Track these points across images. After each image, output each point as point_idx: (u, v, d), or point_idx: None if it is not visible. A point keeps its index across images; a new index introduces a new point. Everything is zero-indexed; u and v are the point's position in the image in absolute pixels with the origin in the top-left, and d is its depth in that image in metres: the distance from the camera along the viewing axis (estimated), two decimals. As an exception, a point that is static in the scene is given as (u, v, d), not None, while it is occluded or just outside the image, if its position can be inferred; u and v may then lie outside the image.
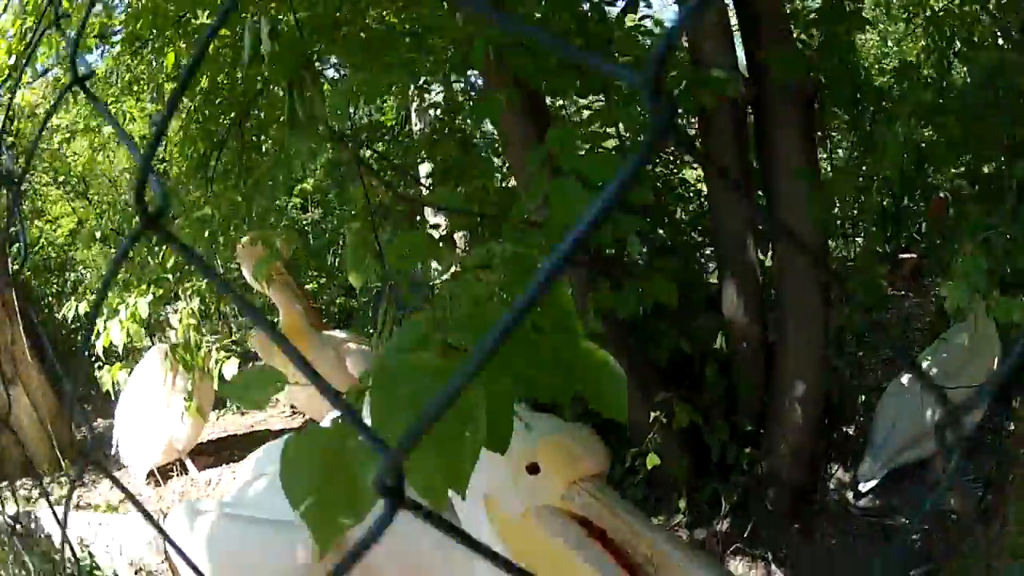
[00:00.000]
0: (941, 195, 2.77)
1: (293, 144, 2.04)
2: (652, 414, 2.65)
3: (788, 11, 2.86)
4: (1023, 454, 2.37)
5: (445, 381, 0.80)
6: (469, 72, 3.54)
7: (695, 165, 3.69)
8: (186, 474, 4.20)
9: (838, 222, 4.94)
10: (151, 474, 4.12)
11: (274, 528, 1.80)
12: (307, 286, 5.60)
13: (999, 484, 2.95)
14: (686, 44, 2.88)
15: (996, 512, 2.47)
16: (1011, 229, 2.00)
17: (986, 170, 2.93)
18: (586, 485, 1.40)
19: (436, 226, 2.60)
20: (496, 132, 3.07)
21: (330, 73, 4.10)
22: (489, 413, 0.84)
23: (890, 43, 6.35)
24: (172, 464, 4.19)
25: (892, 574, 2.80)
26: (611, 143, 2.75)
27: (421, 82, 3.66)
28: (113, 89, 4.60)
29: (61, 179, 6.83)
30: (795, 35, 2.76)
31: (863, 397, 3.62)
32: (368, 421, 0.81)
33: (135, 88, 4.59)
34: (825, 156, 4.88)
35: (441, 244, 2.09)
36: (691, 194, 3.88)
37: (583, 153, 1.92)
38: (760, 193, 2.83)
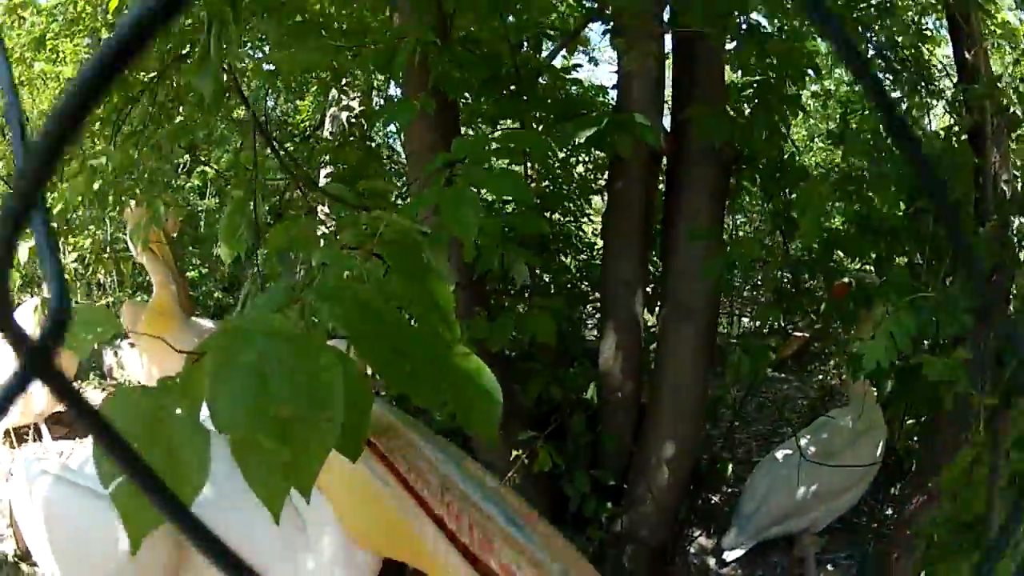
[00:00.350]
0: (845, 280, 2.77)
1: (196, 82, 1.89)
2: (513, 453, 2.55)
3: (726, 80, 2.84)
4: (908, 534, 2.37)
5: (299, 350, 0.66)
6: (388, 84, 3.49)
7: (595, 218, 3.69)
8: (40, 440, 3.95)
9: (732, 293, 5.03)
10: (7, 434, 3.89)
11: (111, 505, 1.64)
12: (188, 273, 5.38)
13: (878, 564, 2.95)
14: (614, 85, 2.85)
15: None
16: (940, 295, 1.97)
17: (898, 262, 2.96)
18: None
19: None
20: (402, 144, 2.98)
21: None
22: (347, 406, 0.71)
23: (817, 140, 6.51)
24: (27, 427, 3.95)
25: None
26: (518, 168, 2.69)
27: (343, 82, 3.58)
28: (55, 25, 4.35)
29: (-21, 111, 6.41)
30: (726, 104, 2.74)
31: (732, 468, 3.61)
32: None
33: (76, 27, 4.36)
34: (732, 228, 4.98)
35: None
36: (583, 246, 3.87)
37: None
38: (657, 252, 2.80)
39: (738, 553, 3.04)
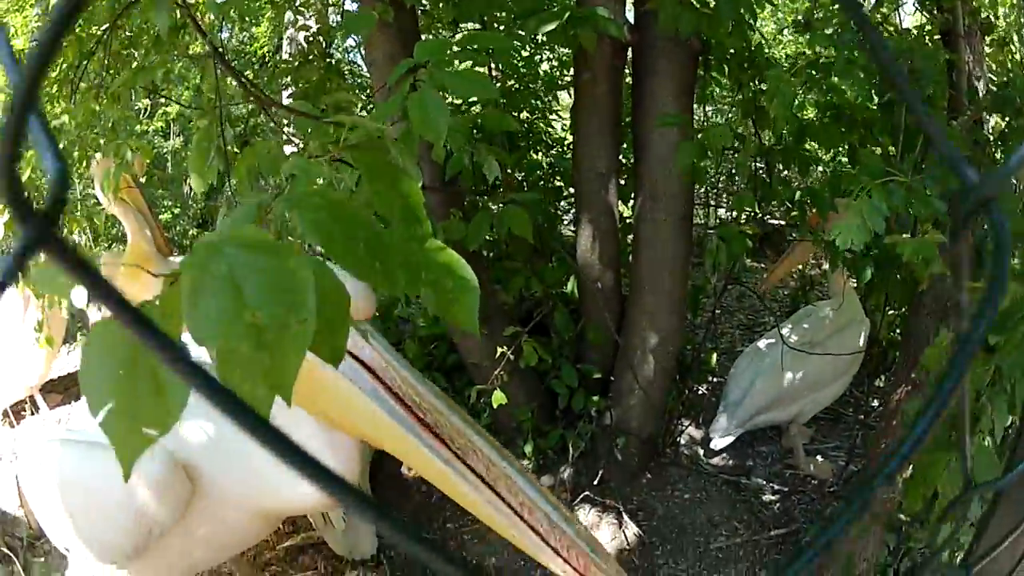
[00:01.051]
0: (814, 212, 2.79)
1: (153, 18, 1.86)
2: (499, 350, 2.58)
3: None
4: (894, 425, 2.43)
5: (269, 256, 0.66)
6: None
7: (564, 115, 3.66)
8: (37, 411, 3.94)
9: (706, 182, 5.03)
10: (4, 414, 3.87)
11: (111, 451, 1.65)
12: (161, 216, 5.34)
13: (865, 455, 3.03)
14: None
15: (865, 480, 2.53)
16: (914, 181, 1.98)
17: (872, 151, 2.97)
18: (364, 328, 1.45)
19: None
20: (363, 58, 2.94)
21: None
22: (322, 308, 0.71)
23: (785, 32, 6.46)
24: (23, 403, 3.94)
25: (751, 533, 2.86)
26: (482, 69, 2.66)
27: (297, 3, 3.51)
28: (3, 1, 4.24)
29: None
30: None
31: (716, 358, 3.68)
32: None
33: (24, -1, 4.25)
34: (703, 119, 4.97)
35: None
36: (554, 142, 3.86)
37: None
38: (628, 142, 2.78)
39: (727, 440, 3.12)
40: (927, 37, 2.70)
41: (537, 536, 1.45)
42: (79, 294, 3.89)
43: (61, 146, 3.10)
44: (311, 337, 0.65)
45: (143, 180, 3.58)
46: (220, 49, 3.40)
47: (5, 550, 2.83)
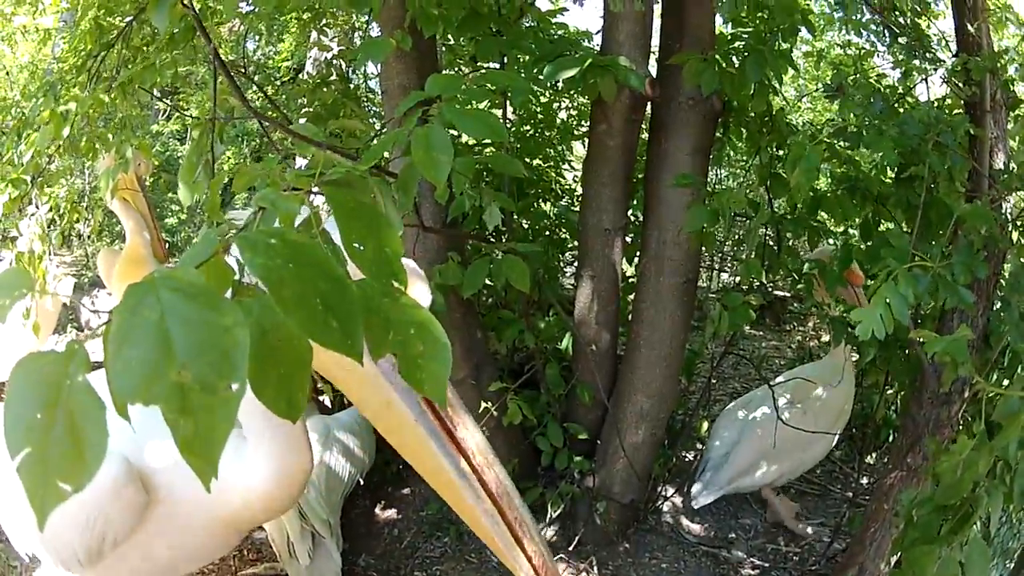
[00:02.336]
0: (821, 285, 2.72)
1: (152, 18, 1.80)
2: (483, 404, 2.49)
3: (716, 32, 2.76)
4: (886, 509, 2.35)
5: (206, 308, 0.57)
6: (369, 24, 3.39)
7: (576, 166, 3.60)
8: None
9: (715, 248, 4.98)
10: None
11: None
12: (166, 220, 5.30)
13: (854, 534, 2.94)
14: (599, 30, 2.77)
15: (852, 561, 2.45)
16: (941, 268, 1.90)
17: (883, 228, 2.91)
18: None
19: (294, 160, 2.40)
20: (380, 81, 2.90)
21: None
22: (279, 360, 0.67)
23: (805, 100, 6.45)
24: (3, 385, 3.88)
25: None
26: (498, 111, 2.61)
27: (322, 23, 3.48)
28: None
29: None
30: (716, 53, 2.66)
31: (707, 425, 3.59)
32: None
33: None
34: (716, 182, 4.93)
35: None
36: (563, 192, 3.80)
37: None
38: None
39: (709, 499, 3.02)
40: (948, 111, 2.64)
41: (514, 538, 1.48)
42: (67, 286, 3.84)
43: (66, 133, 3.06)
44: (238, 406, 0.58)
45: (148, 182, 3.54)
46: (243, 60, 3.39)
47: None
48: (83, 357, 0.59)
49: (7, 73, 6.38)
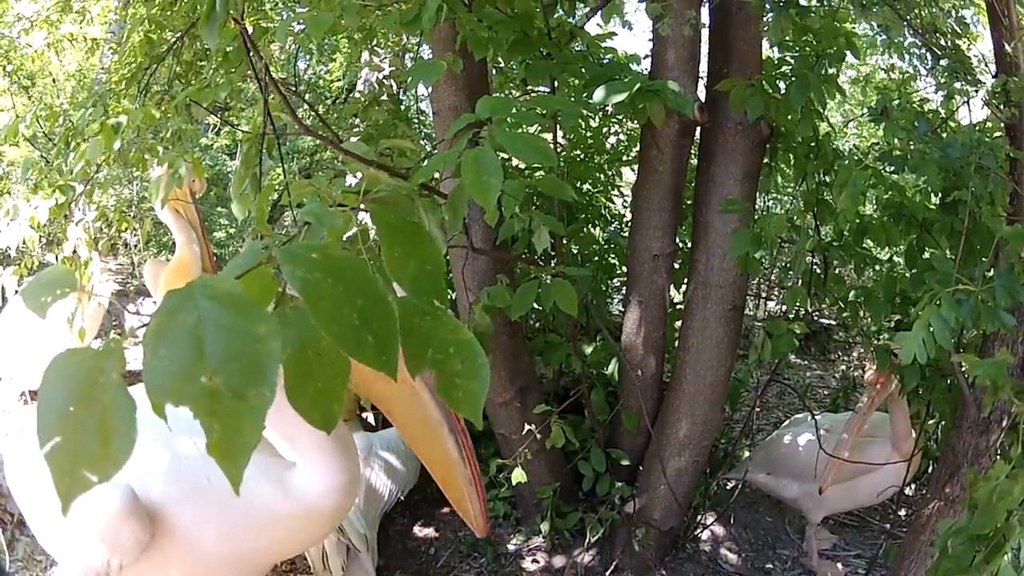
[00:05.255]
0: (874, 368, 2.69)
1: (203, 36, 1.84)
2: (527, 427, 2.49)
3: (762, 57, 2.75)
4: (922, 540, 2.31)
5: (240, 316, 0.59)
6: (420, 45, 3.41)
7: (626, 191, 3.60)
8: None
9: (761, 275, 4.94)
10: (22, 395, 3.87)
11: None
12: (215, 233, 5.36)
13: (890, 566, 2.89)
14: (647, 54, 2.77)
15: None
16: (982, 292, 1.87)
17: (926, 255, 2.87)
18: None
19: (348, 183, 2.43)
20: (431, 102, 2.92)
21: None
22: (318, 373, 0.68)
23: (851, 126, 6.40)
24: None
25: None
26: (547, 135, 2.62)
27: (373, 43, 3.51)
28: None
29: (10, 69, 6.43)
30: (763, 79, 2.65)
31: (750, 454, 3.55)
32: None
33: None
34: (763, 209, 4.88)
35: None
36: (613, 217, 3.79)
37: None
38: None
39: (737, 476, 3.12)
40: (988, 134, 2.59)
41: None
42: (109, 291, 3.87)
43: (117, 145, 3.11)
44: (266, 413, 0.59)
45: (199, 195, 3.59)
46: (295, 79, 3.44)
47: None
48: (118, 355, 0.62)
49: (54, 81, 6.53)
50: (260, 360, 0.60)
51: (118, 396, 0.60)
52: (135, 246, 5.68)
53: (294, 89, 2.89)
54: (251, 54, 2.30)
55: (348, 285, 0.71)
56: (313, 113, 3.35)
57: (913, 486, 3.59)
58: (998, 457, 2.19)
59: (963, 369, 2.27)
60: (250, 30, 2.79)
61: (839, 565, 3.11)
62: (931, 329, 1.79)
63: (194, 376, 0.57)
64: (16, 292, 3.78)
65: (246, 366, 0.59)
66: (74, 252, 3.58)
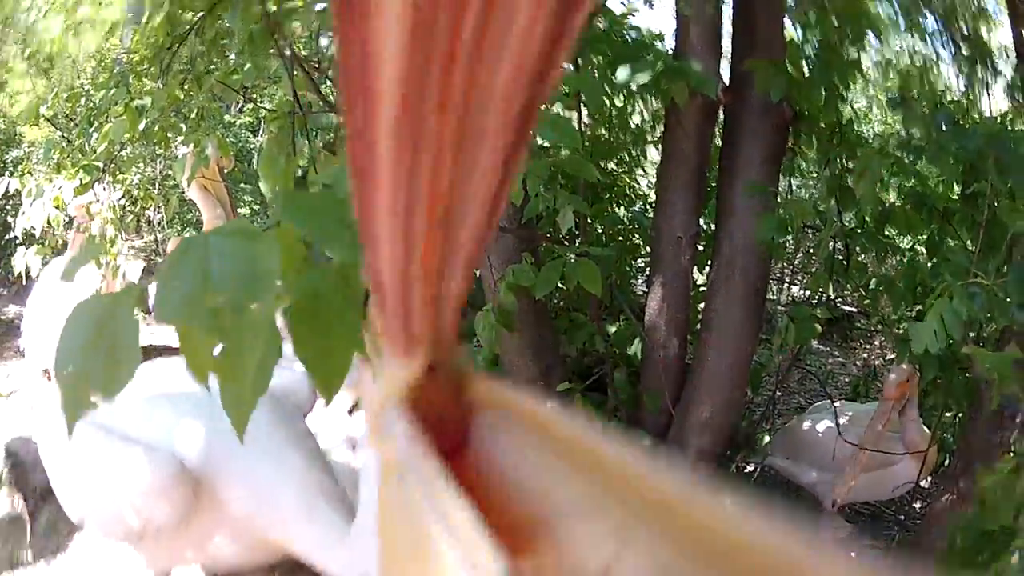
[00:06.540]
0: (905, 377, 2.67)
1: (227, 19, 1.85)
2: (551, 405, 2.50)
3: (786, 39, 2.73)
4: (934, 535, 2.31)
5: (243, 241, 0.63)
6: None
7: (650, 171, 3.59)
8: None
9: (783, 260, 4.92)
10: (46, 371, 3.92)
11: (144, 449, 1.67)
12: (241, 210, 5.39)
13: (901, 557, 2.89)
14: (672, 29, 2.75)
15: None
16: (995, 285, 1.86)
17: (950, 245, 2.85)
18: None
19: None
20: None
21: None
22: (321, 336, 0.70)
23: (875, 110, 6.35)
24: None
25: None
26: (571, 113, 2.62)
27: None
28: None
29: (30, 53, 6.49)
30: (786, 60, 2.63)
31: (769, 439, 3.55)
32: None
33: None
34: (787, 192, 4.85)
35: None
36: (637, 197, 3.78)
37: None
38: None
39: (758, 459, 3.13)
40: (1009, 125, 2.57)
41: None
42: (135, 268, 3.90)
43: (141, 126, 3.13)
44: (270, 325, 0.64)
45: (227, 172, 3.61)
46: (317, 57, 3.42)
47: (18, 495, 2.86)
48: (136, 295, 0.67)
49: (73, 62, 6.57)
50: (260, 272, 0.63)
51: (126, 328, 0.66)
52: (159, 223, 5.72)
53: (316, 66, 2.88)
54: (275, 36, 2.31)
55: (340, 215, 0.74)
56: (320, 89, 3.34)
57: (929, 479, 3.58)
58: (1011, 452, 2.19)
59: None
60: (273, 9, 2.80)
61: (852, 554, 3.11)
62: (943, 321, 1.79)
63: (200, 299, 0.61)
64: (39, 272, 3.82)
65: (246, 281, 0.63)
66: (101, 232, 3.61)
